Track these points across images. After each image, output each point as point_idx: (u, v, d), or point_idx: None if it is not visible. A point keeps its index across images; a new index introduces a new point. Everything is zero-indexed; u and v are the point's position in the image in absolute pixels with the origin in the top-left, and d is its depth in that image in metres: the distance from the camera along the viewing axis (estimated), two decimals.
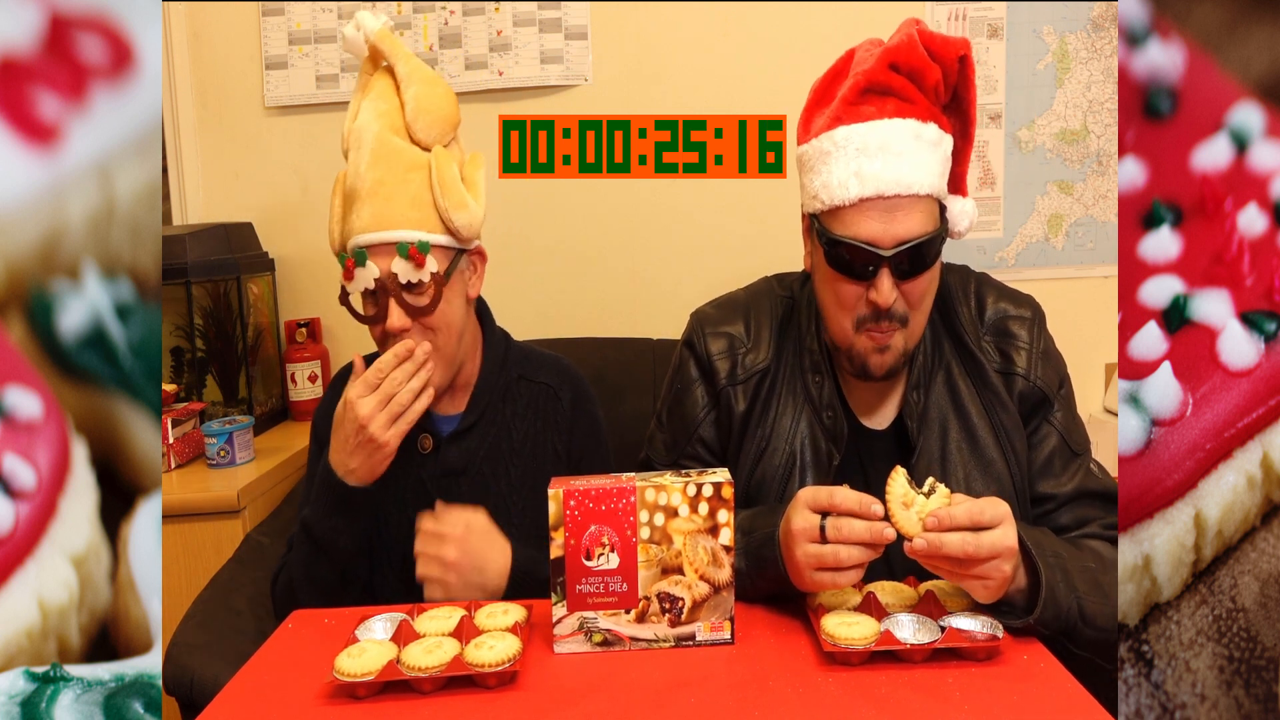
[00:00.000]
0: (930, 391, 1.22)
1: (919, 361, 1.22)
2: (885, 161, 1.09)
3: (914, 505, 1.00)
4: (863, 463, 1.23)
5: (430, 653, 0.97)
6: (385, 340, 1.24)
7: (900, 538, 0.99)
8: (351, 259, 1.20)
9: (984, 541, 0.96)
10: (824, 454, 1.21)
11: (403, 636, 1.03)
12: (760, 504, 1.22)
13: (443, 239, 1.23)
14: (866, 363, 1.16)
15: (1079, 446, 1.23)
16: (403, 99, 1.23)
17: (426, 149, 1.24)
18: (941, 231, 1.14)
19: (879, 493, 1.19)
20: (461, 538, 1.18)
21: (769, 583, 1.09)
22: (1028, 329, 1.23)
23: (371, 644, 1.01)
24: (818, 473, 1.21)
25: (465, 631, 1.04)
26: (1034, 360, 1.21)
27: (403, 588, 1.29)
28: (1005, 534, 0.97)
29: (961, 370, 1.22)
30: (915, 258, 1.11)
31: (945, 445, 1.20)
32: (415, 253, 1.18)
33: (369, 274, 1.20)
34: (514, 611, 1.08)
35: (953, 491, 1.02)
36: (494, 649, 0.97)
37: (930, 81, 1.11)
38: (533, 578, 1.18)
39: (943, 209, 1.16)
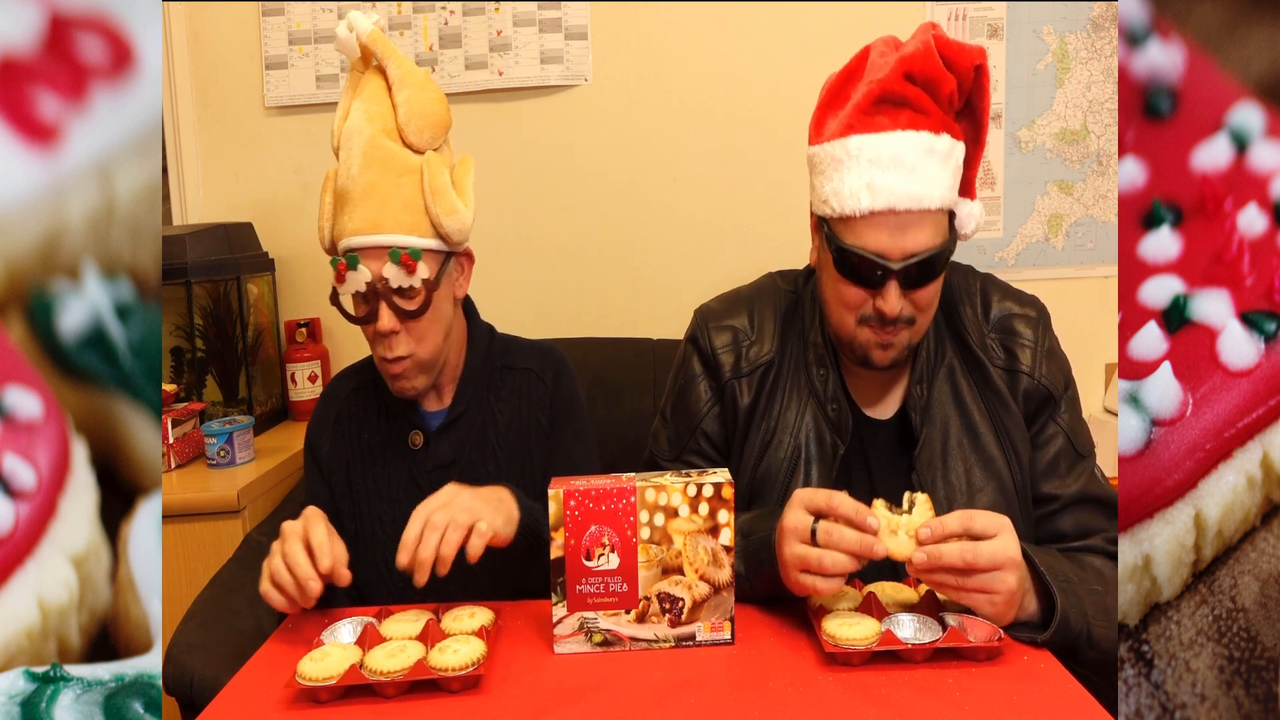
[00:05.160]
0: (933, 386, 1.22)
1: (923, 356, 1.22)
2: (897, 175, 1.08)
3: (900, 527, 1.00)
4: (866, 453, 1.23)
5: (393, 656, 0.97)
6: (376, 340, 1.25)
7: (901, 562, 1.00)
8: (344, 262, 1.21)
9: (983, 550, 0.96)
10: (829, 445, 1.21)
11: (367, 640, 1.03)
12: (765, 497, 1.22)
13: (433, 243, 1.24)
14: (869, 355, 1.17)
15: (1084, 449, 1.22)
16: (394, 101, 1.24)
17: (418, 152, 1.25)
18: (950, 242, 1.14)
19: (883, 482, 1.18)
20: (452, 494, 1.13)
21: (766, 584, 1.09)
22: (1033, 327, 1.23)
23: (335, 648, 1.01)
24: (822, 464, 1.21)
25: (431, 635, 1.04)
26: (1039, 358, 1.21)
27: (391, 584, 1.29)
28: (1005, 544, 0.97)
29: (964, 370, 1.22)
30: (923, 269, 1.11)
31: (946, 439, 1.20)
32: (407, 259, 1.20)
33: (360, 277, 1.21)
34: (480, 615, 1.08)
35: (953, 486, 1.01)
36: (458, 653, 0.97)
37: (945, 92, 1.10)
38: (537, 528, 1.15)
39: (951, 216, 1.15)
